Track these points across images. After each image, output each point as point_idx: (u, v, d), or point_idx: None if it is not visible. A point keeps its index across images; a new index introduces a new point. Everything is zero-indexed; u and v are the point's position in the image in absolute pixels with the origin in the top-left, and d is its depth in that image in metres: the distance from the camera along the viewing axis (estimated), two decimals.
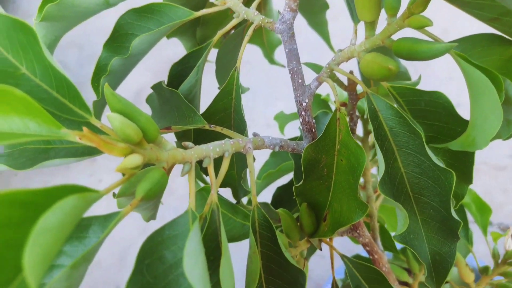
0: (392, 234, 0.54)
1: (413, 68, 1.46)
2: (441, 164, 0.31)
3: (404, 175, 0.34)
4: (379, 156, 0.31)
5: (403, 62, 0.48)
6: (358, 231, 0.46)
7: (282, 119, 0.69)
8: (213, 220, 0.28)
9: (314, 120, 0.37)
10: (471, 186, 0.66)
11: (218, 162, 0.32)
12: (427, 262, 0.36)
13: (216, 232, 0.28)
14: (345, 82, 0.40)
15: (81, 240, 0.23)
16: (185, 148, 0.29)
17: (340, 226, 0.38)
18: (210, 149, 0.29)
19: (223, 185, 0.45)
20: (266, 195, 0.57)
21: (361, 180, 0.52)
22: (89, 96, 0.38)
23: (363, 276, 0.44)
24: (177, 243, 0.24)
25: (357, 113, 0.47)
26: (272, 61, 0.59)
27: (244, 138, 0.32)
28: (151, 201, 0.35)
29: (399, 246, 0.65)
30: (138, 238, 1.20)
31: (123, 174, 0.25)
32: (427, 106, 0.34)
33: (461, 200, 0.39)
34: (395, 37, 0.32)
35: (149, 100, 0.42)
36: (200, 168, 0.37)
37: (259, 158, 0.67)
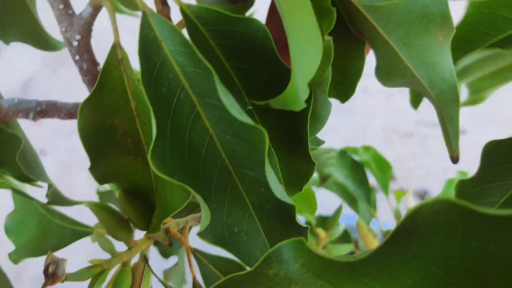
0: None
1: None
2: (245, 118, 0.20)
3: (216, 139, 0.23)
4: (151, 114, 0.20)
5: None
6: None
7: None
8: None
9: (100, 66, 0.25)
10: (371, 144, 0.56)
11: None
12: None
13: None
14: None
15: None
16: None
17: (167, 215, 0.27)
18: None
19: None
20: None
21: None
22: None
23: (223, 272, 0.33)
24: None
25: None
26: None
27: None
28: None
29: None
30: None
31: None
32: (243, 42, 0.23)
33: (307, 180, 0.28)
34: None
35: None
36: None
37: None
